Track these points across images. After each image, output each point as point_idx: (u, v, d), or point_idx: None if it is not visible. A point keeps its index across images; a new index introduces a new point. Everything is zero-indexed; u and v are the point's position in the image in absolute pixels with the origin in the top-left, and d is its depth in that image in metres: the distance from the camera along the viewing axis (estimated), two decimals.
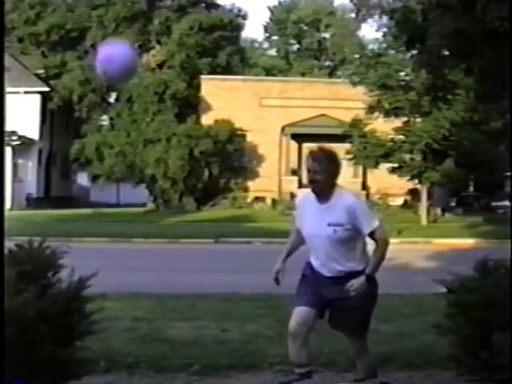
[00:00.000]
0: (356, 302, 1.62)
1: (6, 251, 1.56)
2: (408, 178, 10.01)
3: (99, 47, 1.25)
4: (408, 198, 12.29)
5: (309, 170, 1.63)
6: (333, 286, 1.64)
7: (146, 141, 13.02)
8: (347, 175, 13.21)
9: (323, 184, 1.62)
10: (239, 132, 13.20)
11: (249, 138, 13.35)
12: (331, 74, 21.73)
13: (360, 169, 12.48)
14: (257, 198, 12.90)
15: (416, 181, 10.15)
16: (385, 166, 10.18)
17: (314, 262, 1.68)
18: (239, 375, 2.02)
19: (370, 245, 1.70)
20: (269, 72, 21.36)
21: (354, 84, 10.17)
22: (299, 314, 1.66)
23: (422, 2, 4.58)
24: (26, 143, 12.85)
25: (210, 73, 13.85)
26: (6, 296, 1.40)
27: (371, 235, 1.65)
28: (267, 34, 25.15)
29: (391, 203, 12.27)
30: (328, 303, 1.68)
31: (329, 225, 1.61)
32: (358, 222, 1.61)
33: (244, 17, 16.18)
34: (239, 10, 16.03)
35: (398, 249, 6.49)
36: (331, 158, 1.65)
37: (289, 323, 1.66)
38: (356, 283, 1.61)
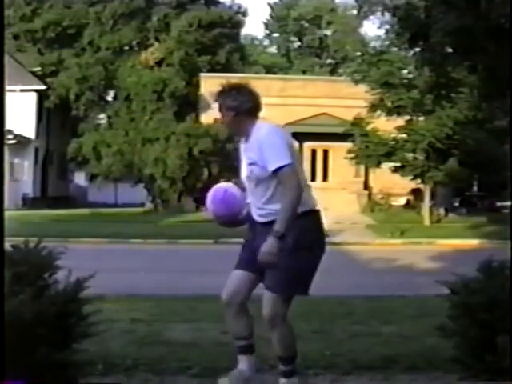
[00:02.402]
0: (280, 260, 1.32)
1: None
2: (411, 177, 9.93)
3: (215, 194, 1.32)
4: (411, 197, 12.20)
5: (220, 109, 1.39)
6: (264, 234, 1.36)
7: (144, 140, 13.00)
8: (349, 175, 13.21)
9: (225, 123, 1.39)
10: None
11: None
12: (332, 72, 21.60)
13: (362, 168, 12.39)
14: None
15: (419, 180, 10.14)
16: (387, 166, 10.11)
17: (252, 209, 1.43)
18: None
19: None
20: (269, 70, 21.22)
21: (356, 82, 10.06)
22: (231, 280, 1.47)
23: None
24: (22, 142, 12.84)
25: (209, 71, 13.79)
26: (4, 297, 1.37)
27: (277, 175, 1.32)
28: (267, 32, 25.08)
29: (394, 203, 12.22)
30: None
31: (248, 164, 1.39)
32: (265, 157, 1.32)
33: (244, 14, 16.16)
34: (239, 7, 16.09)
35: (401, 249, 6.50)
36: (227, 95, 1.38)
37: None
38: (264, 249, 1.30)
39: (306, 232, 1.38)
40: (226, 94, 1.41)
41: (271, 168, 1.34)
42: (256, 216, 1.45)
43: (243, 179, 1.43)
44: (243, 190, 1.47)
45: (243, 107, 1.38)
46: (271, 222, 1.37)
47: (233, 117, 1.38)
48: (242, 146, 1.43)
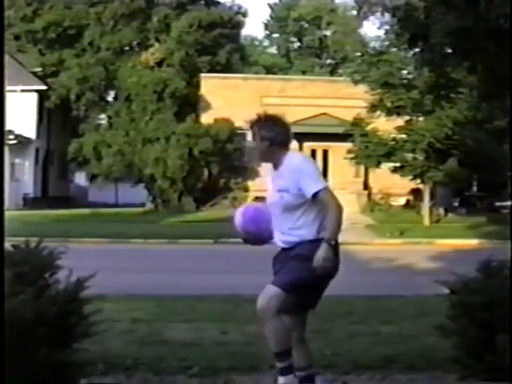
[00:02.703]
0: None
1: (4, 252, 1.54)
2: (410, 177, 9.93)
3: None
4: (410, 197, 12.20)
5: (253, 138, 1.52)
6: (283, 258, 1.51)
7: (144, 140, 13.00)
8: (349, 175, 13.20)
9: (264, 153, 1.50)
10: (239, 131, 13.13)
11: (249, 137, 13.19)
12: (332, 72, 21.63)
13: (362, 168, 12.40)
14: (257, 198, 12.80)
15: (418, 180, 10.11)
16: (387, 166, 10.10)
17: (275, 234, 1.55)
18: (239, 377, 2.00)
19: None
20: (269, 70, 21.27)
21: (356, 82, 10.07)
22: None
23: (424, 0, 4.53)
24: (22, 142, 12.83)
25: (209, 71, 13.78)
26: (5, 297, 1.38)
27: (316, 198, 1.46)
28: (267, 32, 25.09)
29: (393, 203, 12.20)
30: None
31: (278, 191, 1.50)
32: (302, 184, 1.46)
33: (244, 14, 16.13)
34: (239, 8, 16.03)
35: (401, 249, 6.48)
36: (262, 125, 1.51)
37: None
38: (320, 254, 1.42)
39: (317, 250, 1.48)
40: (262, 124, 1.52)
41: (310, 192, 1.46)
42: (279, 241, 1.54)
43: (270, 204, 1.52)
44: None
45: (278, 138, 1.49)
46: (292, 248, 1.49)
47: (267, 147, 1.49)
48: (272, 174, 1.53)
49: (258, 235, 1.55)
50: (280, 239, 1.54)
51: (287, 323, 1.51)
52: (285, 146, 1.51)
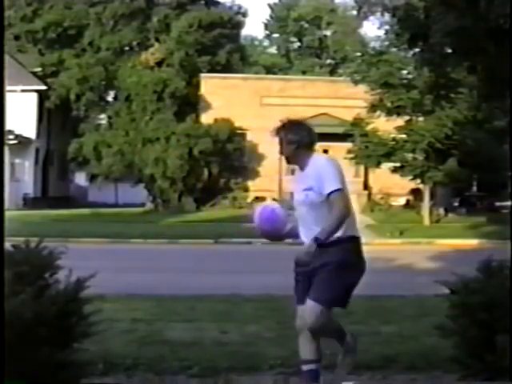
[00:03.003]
0: (316, 270, 1.56)
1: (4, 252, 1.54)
2: (410, 177, 9.93)
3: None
4: (410, 197, 12.20)
5: (280, 143, 1.63)
6: (313, 257, 1.57)
7: (144, 140, 12.99)
8: (349, 175, 12.98)
9: (285, 155, 1.62)
10: (239, 131, 13.15)
11: (249, 137, 13.30)
12: (332, 72, 21.61)
13: (362, 168, 12.40)
14: (257, 198, 12.84)
15: (418, 180, 10.12)
16: (387, 166, 10.11)
17: (300, 233, 1.65)
18: (239, 377, 2.00)
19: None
20: (269, 70, 21.27)
21: (356, 82, 10.06)
22: (299, 311, 1.67)
23: (424, 0, 4.53)
24: (22, 142, 12.81)
25: (209, 71, 13.78)
26: (5, 297, 1.38)
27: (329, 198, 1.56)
28: (267, 32, 25.06)
29: (393, 203, 12.20)
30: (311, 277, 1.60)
31: (303, 190, 1.60)
32: (322, 184, 1.56)
33: (244, 14, 16.13)
34: (239, 8, 16.02)
35: (401, 249, 6.47)
36: (288, 129, 1.62)
37: None
38: (304, 249, 1.54)
39: (352, 254, 1.60)
40: (288, 128, 1.63)
41: (326, 191, 1.56)
42: (305, 238, 1.62)
43: (296, 203, 1.63)
44: (289, 209, 1.69)
45: (303, 141, 1.61)
46: (320, 245, 1.56)
47: (294, 149, 1.60)
48: (298, 174, 1.65)
49: (273, 233, 1.64)
50: (307, 236, 1.60)
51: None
52: (310, 148, 1.62)
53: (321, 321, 1.59)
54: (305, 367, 1.67)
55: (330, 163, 1.61)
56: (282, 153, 1.61)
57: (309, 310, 1.59)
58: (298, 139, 1.60)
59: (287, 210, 1.64)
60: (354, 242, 1.61)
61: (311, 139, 1.63)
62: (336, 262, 1.56)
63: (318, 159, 1.61)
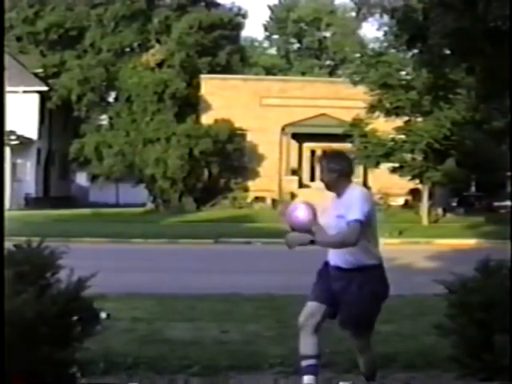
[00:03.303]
0: (352, 296, 1.70)
1: (4, 251, 1.55)
2: (409, 177, 9.97)
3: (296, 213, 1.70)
4: (409, 198, 12.24)
5: (321, 170, 1.79)
6: (340, 280, 1.72)
7: (145, 140, 13.00)
8: None
9: (325, 182, 1.76)
10: (239, 131, 13.17)
11: (249, 137, 13.32)
12: (332, 73, 21.69)
13: (361, 168, 12.38)
14: (257, 198, 12.87)
15: (417, 181, 10.15)
16: (386, 166, 10.14)
17: (329, 255, 1.79)
18: (239, 376, 2.01)
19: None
20: (269, 71, 21.29)
21: (355, 83, 10.12)
22: (307, 307, 1.75)
23: (423, 1, 4.56)
24: (24, 143, 12.84)
25: (209, 72, 13.81)
26: (5, 297, 1.39)
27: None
28: (267, 33, 25.10)
29: (392, 203, 12.24)
30: (335, 298, 1.74)
31: (336, 216, 1.73)
32: (349, 212, 1.67)
33: (244, 16, 16.14)
34: (239, 9, 15.99)
35: (399, 249, 6.49)
36: (330, 159, 1.77)
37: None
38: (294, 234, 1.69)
39: (380, 283, 1.76)
40: (331, 158, 1.79)
41: (348, 219, 1.68)
42: (332, 260, 1.77)
43: (327, 226, 1.75)
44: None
45: (344, 171, 1.76)
46: (348, 270, 1.71)
47: (335, 178, 1.76)
48: (334, 200, 1.80)
49: (302, 228, 1.77)
50: (333, 259, 1.76)
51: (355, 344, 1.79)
52: (349, 177, 1.78)
53: (359, 342, 1.77)
54: (304, 362, 1.72)
55: (363, 196, 1.74)
56: (322, 180, 1.77)
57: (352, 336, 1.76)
58: (340, 169, 1.74)
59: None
60: (380, 269, 1.76)
61: (350, 170, 1.78)
62: (367, 294, 1.71)
63: (353, 190, 1.74)
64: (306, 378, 1.68)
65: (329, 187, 1.76)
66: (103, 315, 1.78)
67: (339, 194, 1.75)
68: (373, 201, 1.78)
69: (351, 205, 1.69)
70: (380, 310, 1.79)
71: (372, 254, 1.73)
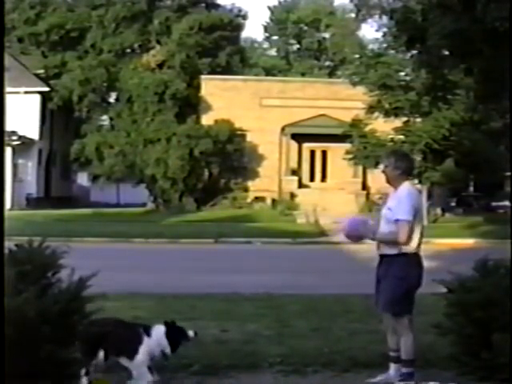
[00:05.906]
0: (384, 279, 1.94)
1: (5, 251, 1.56)
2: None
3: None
4: None
5: (386, 165, 2.04)
6: (381, 264, 1.98)
7: (145, 141, 13.00)
8: (347, 175, 13.22)
9: (387, 177, 2.01)
10: (239, 132, 13.18)
11: (249, 137, 13.34)
12: (331, 74, 21.69)
13: (360, 169, 12.43)
14: (257, 198, 12.88)
15: (416, 181, 10.16)
16: None
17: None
18: (239, 375, 2.02)
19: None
20: (269, 72, 21.34)
21: (354, 84, 10.14)
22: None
23: (421, 2, 4.57)
24: (25, 143, 12.84)
25: (209, 73, 13.81)
26: (6, 296, 1.40)
27: (397, 224, 1.92)
28: (267, 34, 25.11)
29: None
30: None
31: (387, 208, 1.99)
32: (396, 208, 1.92)
33: (244, 17, 16.14)
34: (239, 10, 15.98)
35: None
36: (398, 157, 2.04)
37: None
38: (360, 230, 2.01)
39: (411, 266, 1.93)
40: (399, 157, 2.07)
41: (394, 217, 1.94)
42: (376, 246, 2.02)
43: (381, 216, 2.02)
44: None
45: (407, 170, 2.02)
46: (390, 257, 1.93)
47: (398, 174, 2.00)
48: (391, 194, 2.05)
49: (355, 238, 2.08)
50: (381, 247, 1.99)
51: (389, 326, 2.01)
52: (408, 176, 2.02)
53: (397, 323, 1.97)
54: (391, 353, 1.97)
55: (410, 194, 1.96)
56: (384, 172, 2.01)
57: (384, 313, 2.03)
58: (404, 167, 1.99)
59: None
60: (415, 255, 1.94)
61: (411, 170, 2.06)
62: (400, 276, 1.90)
63: (404, 188, 1.97)
64: (393, 366, 1.95)
65: (388, 181, 2.00)
66: (191, 333, 1.83)
67: (396, 189, 1.98)
68: (419, 199, 2.02)
69: (399, 202, 1.91)
70: (413, 292, 1.90)
71: (414, 244, 1.90)
